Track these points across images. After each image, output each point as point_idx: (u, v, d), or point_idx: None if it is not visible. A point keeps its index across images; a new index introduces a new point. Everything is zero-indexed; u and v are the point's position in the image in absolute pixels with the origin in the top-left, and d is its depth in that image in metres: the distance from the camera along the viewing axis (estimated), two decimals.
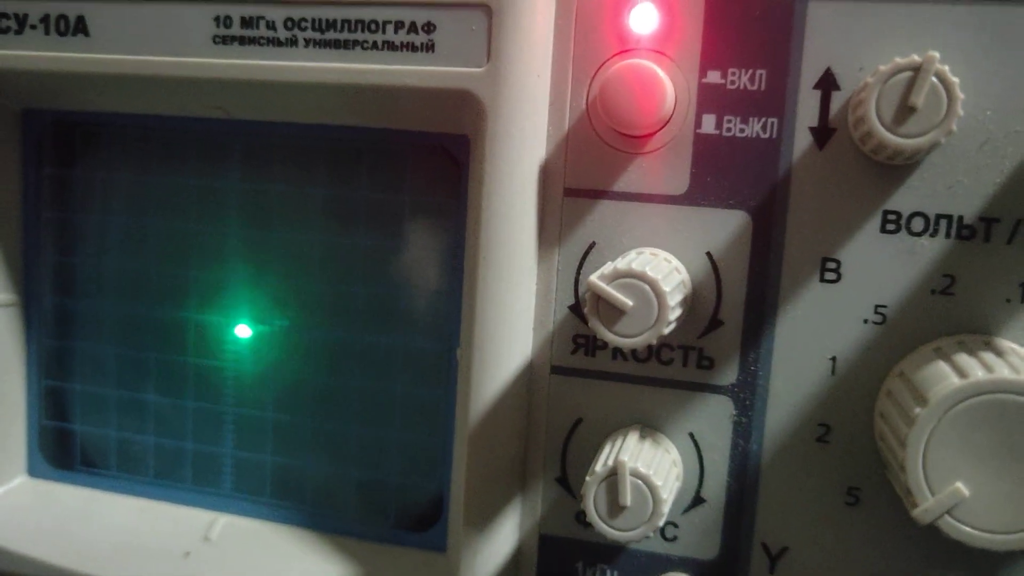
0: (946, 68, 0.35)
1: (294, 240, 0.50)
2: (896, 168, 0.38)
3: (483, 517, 0.44)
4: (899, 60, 0.35)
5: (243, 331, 0.52)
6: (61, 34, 0.46)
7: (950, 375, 0.35)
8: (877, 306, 0.39)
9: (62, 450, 0.56)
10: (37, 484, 0.56)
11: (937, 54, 0.34)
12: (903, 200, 0.38)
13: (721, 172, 0.40)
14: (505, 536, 0.44)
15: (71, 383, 0.55)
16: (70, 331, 0.55)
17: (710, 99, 0.40)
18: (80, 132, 0.53)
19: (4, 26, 0.47)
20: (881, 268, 0.39)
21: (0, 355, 0.54)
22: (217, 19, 0.44)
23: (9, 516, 0.54)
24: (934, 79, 0.35)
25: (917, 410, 0.34)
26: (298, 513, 0.52)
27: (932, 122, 0.35)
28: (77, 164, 0.54)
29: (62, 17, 0.46)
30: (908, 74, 0.35)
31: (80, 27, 0.46)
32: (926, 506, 0.34)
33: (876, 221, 0.39)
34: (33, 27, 0.47)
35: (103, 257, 0.54)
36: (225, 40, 0.44)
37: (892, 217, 0.39)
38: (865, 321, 0.39)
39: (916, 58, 0.35)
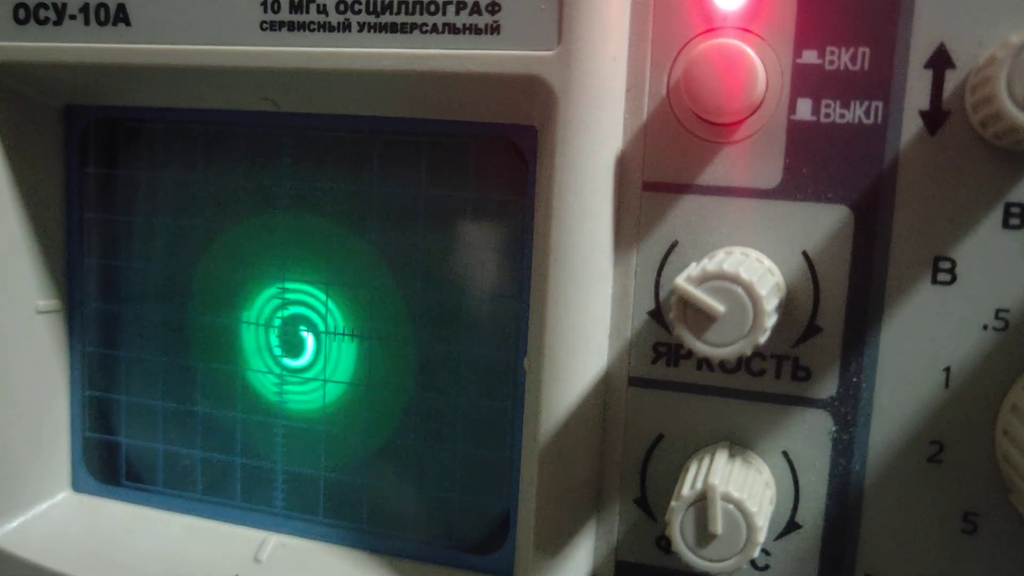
0: None
1: (348, 241, 0.49)
2: (1022, 155, 0.35)
3: (554, 541, 0.42)
4: None
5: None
6: (101, 24, 0.46)
7: None
8: (998, 310, 0.37)
9: (107, 464, 0.56)
10: (81, 499, 0.56)
11: None
12: None
13: (818, 162, 0.38)
14: (578, 562, 0.43)
15: (116, 393, 0.55)
16: (114, 338, 0.55)
17: (806, 81, 0.38)
18: (123, 129, 0.53)
19: (43, 17, 0.47)
20: (1003, 268, 0.36)
21: (43, 364, 0.54)
22: (264, 3, 0.43)
23: (52, 533, 0.53)
24: None
25: None
26: (353, 533, 0.51)
27: None
28: (120, 162, 0.53)
29: (102, 6, 0.45)
30: None
31: (121, 16, 0.45)
32: None
33: (997, 215, 0.36)
34: (72, 17, 0.46)
35: (148, 260, 0.53)
36: (273, 26, 0.43)
37: (1016, 210, 0.36)
38: (984, 327, 0.37)
39: None
